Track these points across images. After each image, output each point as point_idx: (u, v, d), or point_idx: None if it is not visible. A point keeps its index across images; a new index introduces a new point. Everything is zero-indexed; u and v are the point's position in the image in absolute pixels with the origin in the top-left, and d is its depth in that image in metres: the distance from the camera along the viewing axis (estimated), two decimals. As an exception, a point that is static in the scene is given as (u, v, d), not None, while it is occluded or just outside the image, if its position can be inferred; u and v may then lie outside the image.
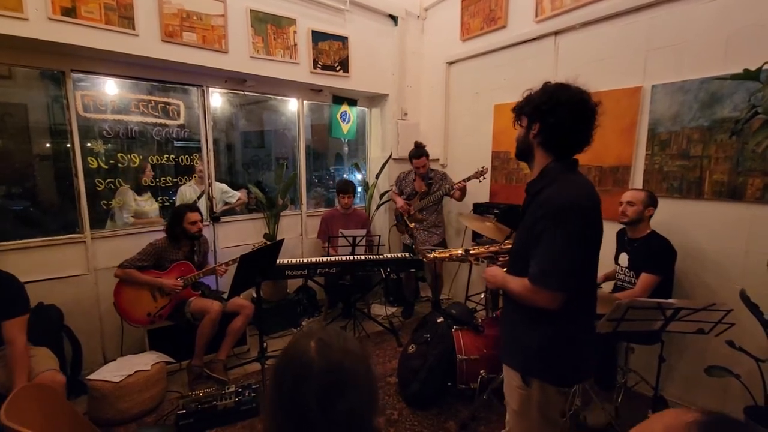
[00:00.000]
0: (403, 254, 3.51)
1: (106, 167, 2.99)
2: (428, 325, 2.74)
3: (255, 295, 2.60)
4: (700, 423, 0.50)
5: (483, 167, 3.43)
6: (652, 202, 2.28)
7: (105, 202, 3.01)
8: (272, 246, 2.55)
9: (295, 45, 3.49)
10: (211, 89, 3.42)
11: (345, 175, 4.93)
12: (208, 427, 2.27)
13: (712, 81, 2.24)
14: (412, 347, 2.63)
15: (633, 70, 2.61)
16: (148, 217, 3.27)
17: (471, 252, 1.79)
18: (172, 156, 3.33)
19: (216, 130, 3.60)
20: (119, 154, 3.04)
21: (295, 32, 3.47)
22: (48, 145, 2.99)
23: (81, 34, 2.52)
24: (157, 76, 3.14)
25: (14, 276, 2.02)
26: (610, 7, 2.67)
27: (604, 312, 1.66)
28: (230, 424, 2.31)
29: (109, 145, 3.02)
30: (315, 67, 3.63)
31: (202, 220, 2.97)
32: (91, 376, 2.37)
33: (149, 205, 3.28)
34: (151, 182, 3.24)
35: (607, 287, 2.58)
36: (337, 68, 3.79)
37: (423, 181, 3.71)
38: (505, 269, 1.45)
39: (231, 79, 3.47)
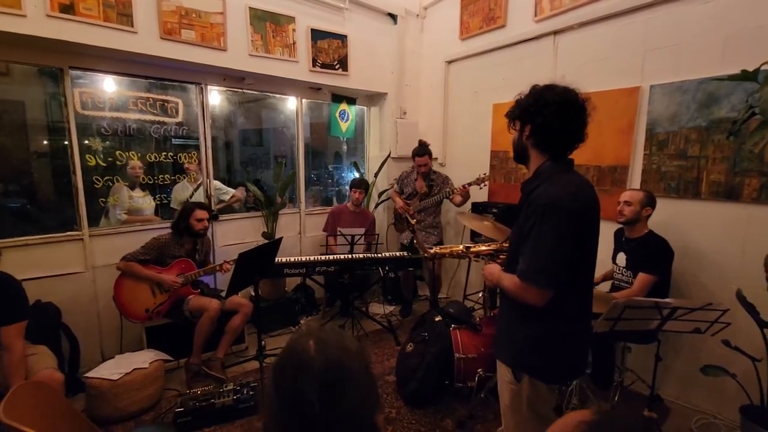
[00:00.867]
0: (401, 253, 3.52)
1: (104, 165, 2.98)
2: (426, 323, 2.75)
3: (253, 294, 2.60)
4: (590, 422, 0.54)
5: (484, 174, 3.41)
6: (650, 203, 2.29)
7: (103, 199, 3.01)
8: (271, 244, 2.55)
9: (294, 43, 3.49)
10: (209, 87, 3.41)
11: (348, 174, 4.93)
12: (206, 425, 2.27)
13: (709, 81, 2.25)
14: (410, 346, 2.64)
15: (631, 71, 2.61)
16: (142, 213, 3.24)
17: (471, 249, 1.80)
18: (170, 154, 3.31)
19: (214, 128, 3.59)
20: (117, 152, 3.03)
21: (294, 30, 3.47)
22: (46, 142, 2.97)
23: (79, 31, 2.51)
24: (155, 74, 3.13)
25: (13, 277, 1.92)
26: (609, 7, 2.68)
27: (601, 311, 1.67)
28: (228, 422, 2.31)
29: (107, 142, 3.01)
30: (314, 66, 3.63)
31: (209, 220, 2.98)
32: (89, 374, 2.36)
33: (144, 201, 3.25)
34: (148, 180, 3.22)
35: (604, 287, 2.59)
36: (336, 67, 3.79)
37: (424, 182, 3.71)
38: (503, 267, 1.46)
39: (230, 77, 3.46)
